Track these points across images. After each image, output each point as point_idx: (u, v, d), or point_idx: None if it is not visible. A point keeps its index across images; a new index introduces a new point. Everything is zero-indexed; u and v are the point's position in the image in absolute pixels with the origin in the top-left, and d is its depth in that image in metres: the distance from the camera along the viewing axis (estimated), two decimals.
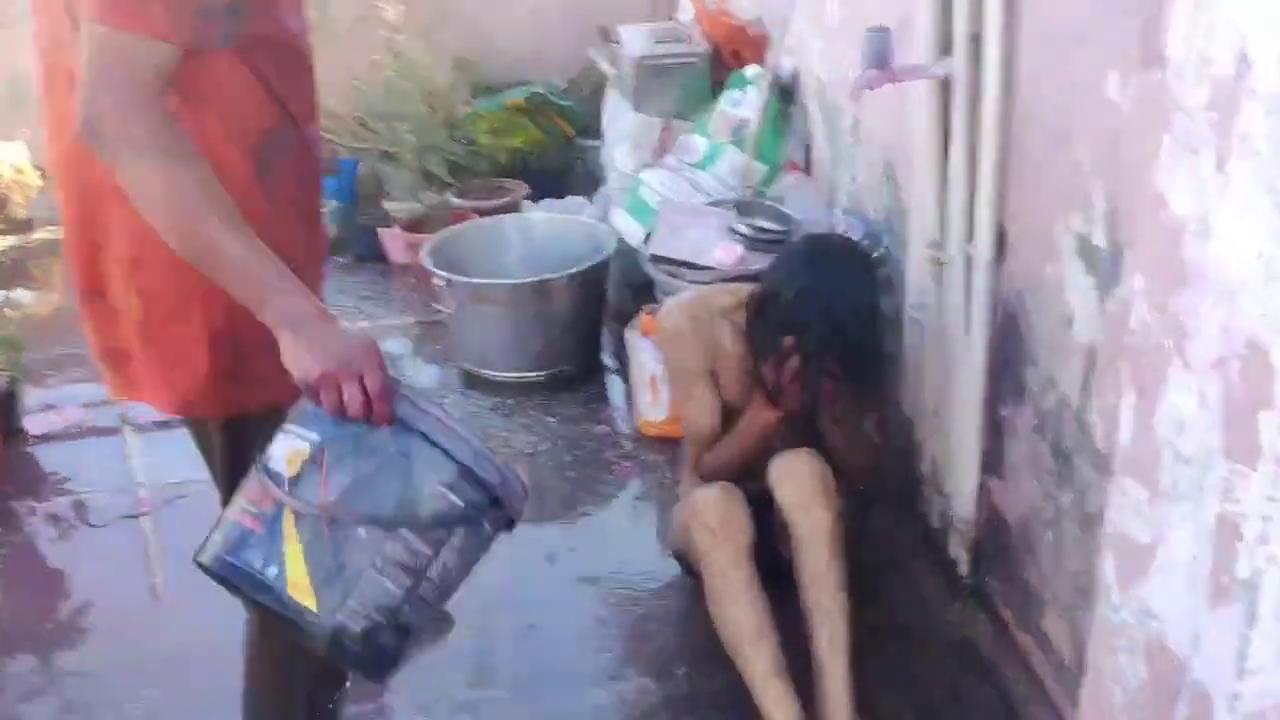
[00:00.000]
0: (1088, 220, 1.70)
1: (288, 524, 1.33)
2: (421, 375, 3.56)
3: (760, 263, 2.65)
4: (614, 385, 3.41)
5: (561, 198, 4.02)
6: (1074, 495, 1.83)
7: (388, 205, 4.44)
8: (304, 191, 1.56)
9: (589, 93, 4.75)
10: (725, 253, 2.66)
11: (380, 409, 1.31)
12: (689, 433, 2.28)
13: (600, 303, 3.46)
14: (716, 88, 3.52)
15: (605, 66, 3.87)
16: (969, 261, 2.09)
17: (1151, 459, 1.30)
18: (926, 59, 2.08)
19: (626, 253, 3.35)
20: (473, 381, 3.42)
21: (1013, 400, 2.03)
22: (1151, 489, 1.30)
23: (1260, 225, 1.07)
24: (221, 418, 1.57)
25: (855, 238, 2.74)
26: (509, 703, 2.27)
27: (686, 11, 3.94)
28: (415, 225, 4.07)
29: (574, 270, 3.23)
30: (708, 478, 2.21)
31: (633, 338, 3.08)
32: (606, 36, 4.01)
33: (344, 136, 4.65)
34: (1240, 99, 1.09)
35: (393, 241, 4.22)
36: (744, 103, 3.26)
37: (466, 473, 1.33)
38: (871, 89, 2.00)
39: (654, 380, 3.01)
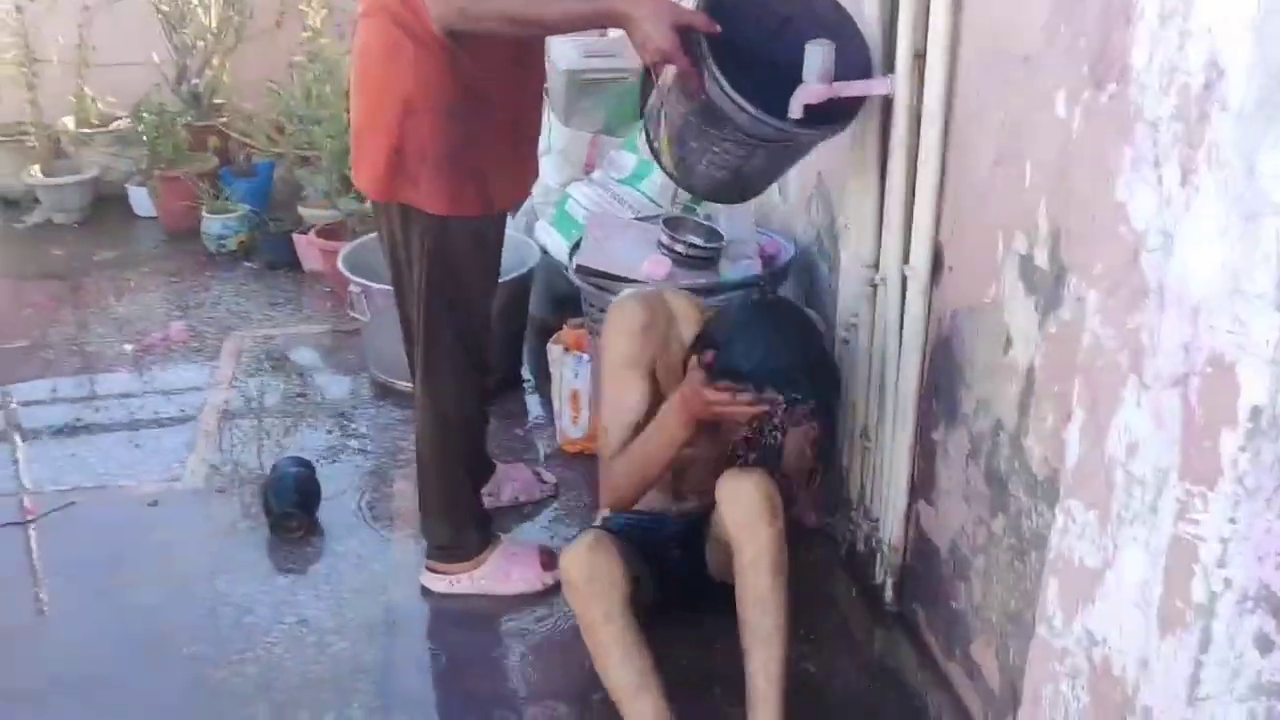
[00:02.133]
0: (1030, 241, 1.68)
1: (664, 120, 2.10)
2: (332, 386, 3.45)
3: (688, 278, 2.61)
4: (534, 401, 3.34)
5: None
6: (1007, 520, 1.80)
7: (303, 211, 4.32)
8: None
9: None
10: (654, 266, 2.61)
11: (683, 78, 1.97)
12: (613, 420, 2.13)
13: (522, 317, 3.39)
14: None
15: None
16: (904, 282, 2.07)
17: (1101, 480, 1.26)
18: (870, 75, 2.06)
19: (550, 267, 3.28)
20: (385, 392, 3.32)
21: (945, 423, 2.00)
22: (1101, 511, 1.27)
23: (1227, 237, 1.04)
24: (386, 201, 2.25)
25: (785, 258, 2.72)
26: None
27: None
28: (331, 232, 3.96)
29: None
30: (619, 484, 2.12)
31: (555, 352, 3.01)
32: None
33: (260, 140, 4.52)
34: (1210, 109, 1.06)
35: (307, 248, 4.10)
36: None
37: (753, 119, 1.91)
38: (813, 104, 1.96)
39: (575, 396, 2.95)
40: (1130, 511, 1.22)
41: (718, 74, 1.89)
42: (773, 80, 1.96)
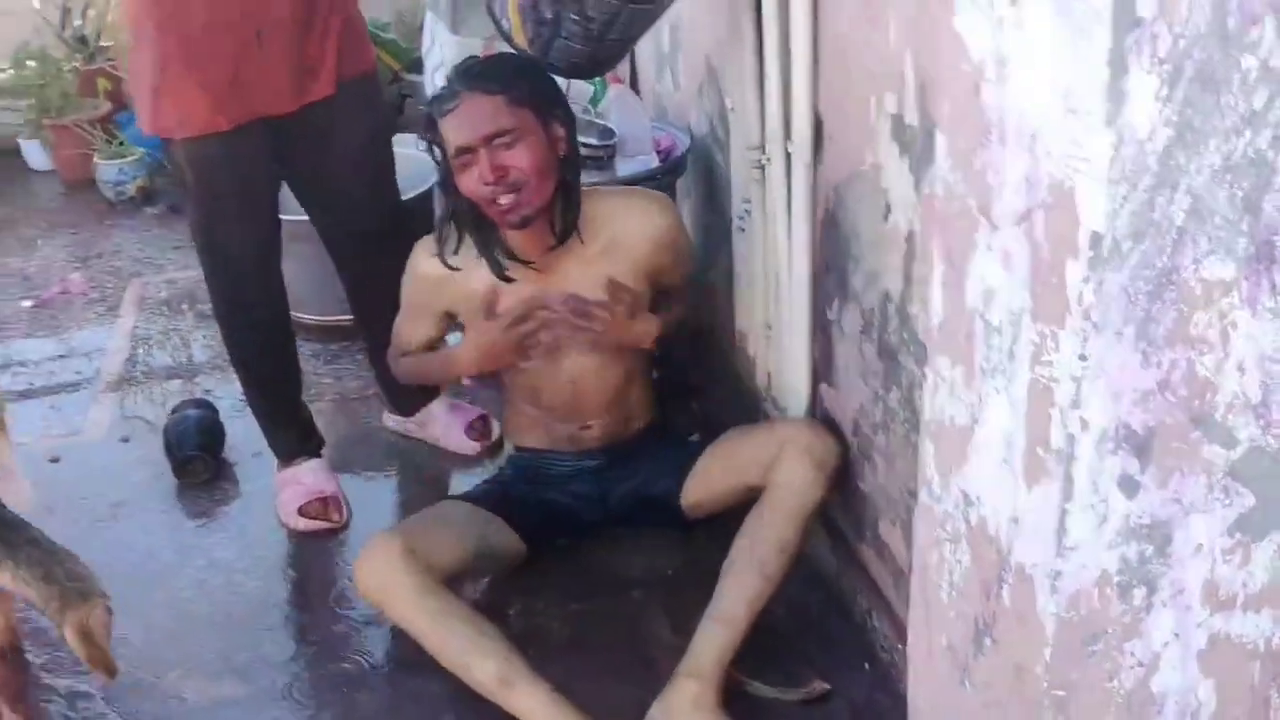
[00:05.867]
0: (899, 99, 1.60)
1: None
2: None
3: (583, 179, 2.51)
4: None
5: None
6: (901, 394, 1.75)
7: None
8: None
9: (416, 26, 4.53)
10: None
11: None
12: (401, 339, 2.24)
13: (407, 246, 3.27)
14: None
15: None
16: (788, 159, 1.99)
17: (964, 334, 1.20)
18: None
19: None
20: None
21: (839, 301, 1.94)
22: (966, 366, 1.21)
23: (1056, 53, 0.97)
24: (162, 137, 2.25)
25: (681, 150, 2.63)
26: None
27: None
28: None
29: None
30: (400, 374, 2.28)
31: None
32: None
33: None
34: None
35: None
36: None
37: None
38: None
39: None
40: (990, 362, 1.16)
41: None
42: None
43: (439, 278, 2.09)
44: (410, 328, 2.21)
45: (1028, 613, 1.17)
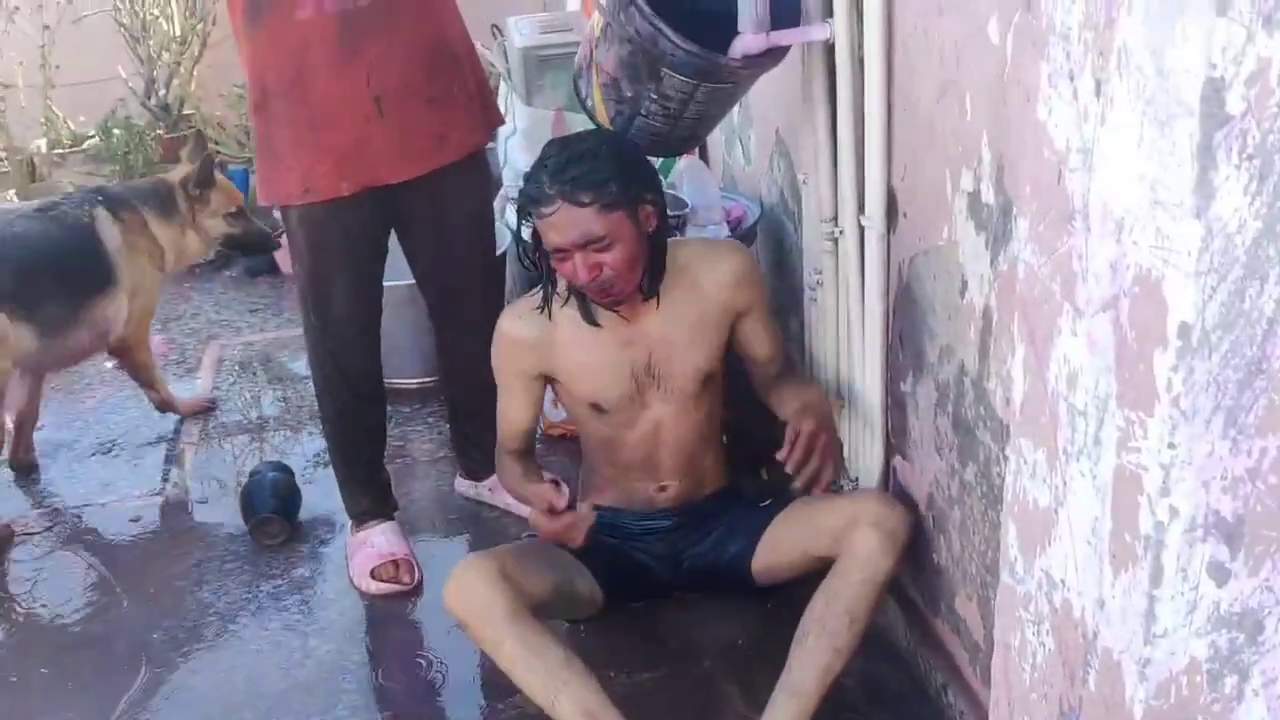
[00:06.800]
0: (976, 176, 1.62)
1: (594, 73, 2.03)
2: (314, 388, 3.41)
3: None
4: None
5: None
6: (977, 468, 1.74)
7: (278, 214, 4.27)
8: None
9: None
10: None
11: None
12: (503, 421, 2.22)
13: (500, 304, 3.33)
14: None
15: (497, 64, 3.75)
16: (862, 233, 2.01)
17: (1047, 416, 1.21)
18: (810, 22, 2.00)
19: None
20: None
21: (913, 374, 1.94)
22: (1048, 448, 1.21)
23: (1143, 146, 0.98)
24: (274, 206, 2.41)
25: (751, 220, 2.67)
26: None
27: (575, 2, 3.85)
28: None
29: None
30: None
31: None
32: (498, 34, 3.89)
33: (231, 146, 4.48)
34: (1116, 13, 1.00)
35: (283, 251, 4.05)
36: None
37: (693, 53, 1.85)
38: (749, 54, 1.90)
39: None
40: (1075, 446, 1.16)
41: (649, 12, 1.83)
42: (704, 25, 1.90)
43: (524, 339, 2.13)
44: (507, 406, 2.20)
45: (1115, 699, 1.16)
